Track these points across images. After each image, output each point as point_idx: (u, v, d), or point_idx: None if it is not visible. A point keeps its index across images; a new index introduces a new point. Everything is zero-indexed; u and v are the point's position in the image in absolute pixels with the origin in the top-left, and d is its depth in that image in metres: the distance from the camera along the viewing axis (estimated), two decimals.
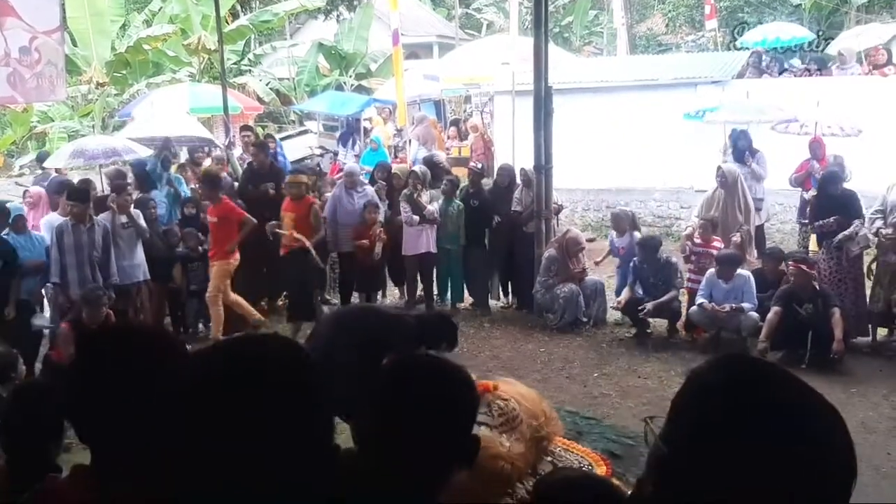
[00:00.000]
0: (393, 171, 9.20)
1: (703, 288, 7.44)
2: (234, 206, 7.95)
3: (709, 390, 1.15)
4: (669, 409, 1.17)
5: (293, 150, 16.08)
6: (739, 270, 7.39)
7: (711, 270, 7.47)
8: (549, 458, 4.58)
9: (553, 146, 8.61)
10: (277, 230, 7.80)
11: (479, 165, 10.11)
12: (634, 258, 7.92)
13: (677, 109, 12.14)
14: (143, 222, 7.56)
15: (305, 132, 18.25)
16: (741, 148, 10.02)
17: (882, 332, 7.43)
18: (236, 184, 9.03)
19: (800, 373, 5.32)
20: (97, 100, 18.50)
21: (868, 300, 7.34)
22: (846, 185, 7.95)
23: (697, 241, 7.97)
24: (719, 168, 8.50)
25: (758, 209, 10.00)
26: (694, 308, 7.44)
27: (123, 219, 7.49)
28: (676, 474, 1.12)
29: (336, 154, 16.03)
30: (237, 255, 7.84)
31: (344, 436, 1.56)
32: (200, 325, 8.38)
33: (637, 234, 8.27)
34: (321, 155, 16.34)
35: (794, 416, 1.10)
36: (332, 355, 4.86)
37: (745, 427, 1.08)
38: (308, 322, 7.54)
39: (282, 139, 16.94)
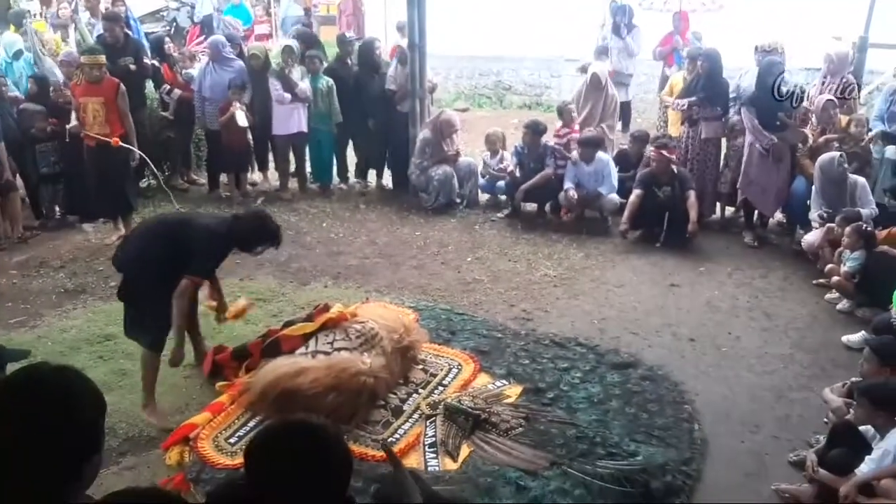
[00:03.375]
0: (252, 51, 8.61)
1: (569, 173, 7.73)
2: None
3: None
4: None
5: (145, 1, 14.79)
6: (600, 154, 7.69)
7: (574, 156, 7.74)
8: (420, 366, 4.84)
9: (426, 17, 8.37)
10: (91, 133, 6.87)
11: (351, 35, 9.71)
12: (517, 144, 8.15)
13: None
14: None
15: None
16: (618, 22, 10.23)
17: (729, 210, 8.03)
18: None
19: (655, 251, 5.79)
20: None
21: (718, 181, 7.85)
22: None
23: (561, 127, 8.18)
24: (591, 70, 8.50)
25: (626, 84, 10.32)
26: (562, 193, 7.73)
27: None
28: None
29: (193, 7, 14.85)
30: None
31: None
32: (57, 209, 7.95)
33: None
34: (177, 8, 15.11)
35: None
36: (141, 265, 4.49)
37: None
38: (128, 214, 7.32)
39: None
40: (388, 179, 9.04)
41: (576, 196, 7.62)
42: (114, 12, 8.50)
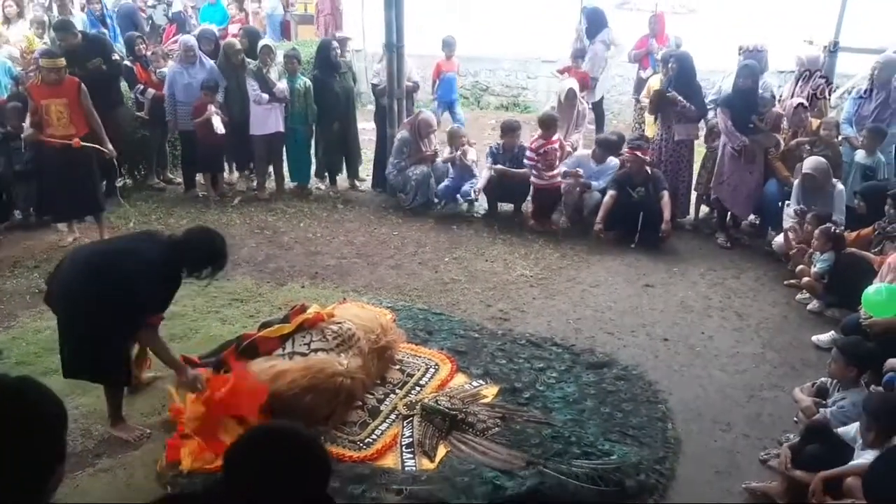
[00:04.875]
0: (231, 44, 8.52)
1: (571, 163, 7.79)
2: None
3: None
4: None
5: None
6: (612, 158, 7.76)
7: (585, 152, 7.83)
8: (397, 367, 4.86)
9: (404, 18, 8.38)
10: (55, 135, 6.63)
11: (340, 34, 9.69)
12: (491, 144, 8.17)
13: None
14: None
15: None
16: (590, 24, 10.28)
17: (703, 210, 8.13)
18: None
19: (629, 251, 5.87)
20: None
21: (694, 182, 7.95)
22: None
23: (538, 138, 8.08)
24: (567, 86, 8.51)
25: (592, 88, 10.33)
26: (570, 179, 7.73)
27: None
28: None
29: (170, 4, 14.73)
30: None
31: None
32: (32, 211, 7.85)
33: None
34: (153, 6, 14.98)
35: None
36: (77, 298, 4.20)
37: None
38: (99, 213, 7.16)
39: None
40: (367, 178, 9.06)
41: (574, 180, 7.64)
42: (62, 22, 8.15)
